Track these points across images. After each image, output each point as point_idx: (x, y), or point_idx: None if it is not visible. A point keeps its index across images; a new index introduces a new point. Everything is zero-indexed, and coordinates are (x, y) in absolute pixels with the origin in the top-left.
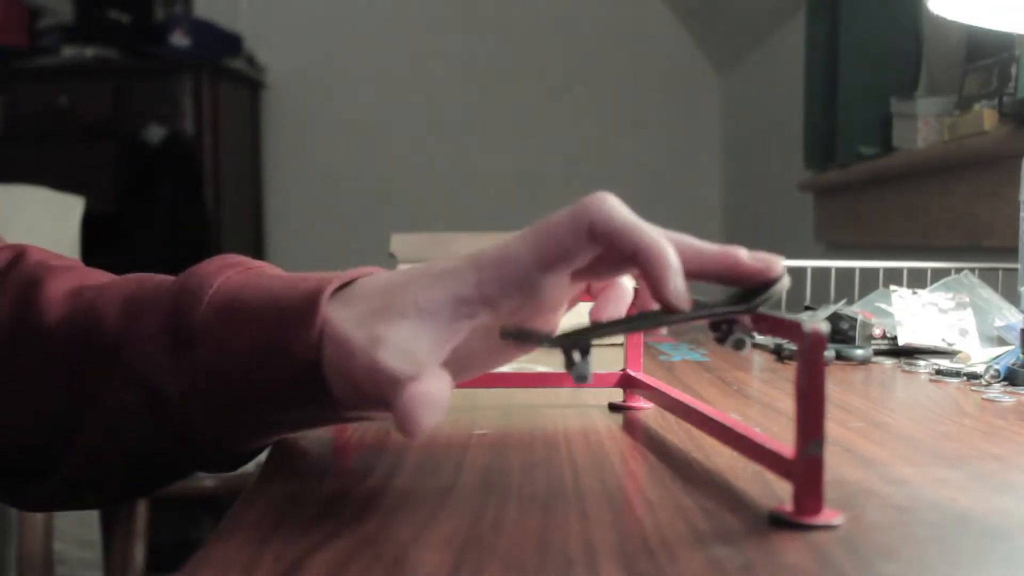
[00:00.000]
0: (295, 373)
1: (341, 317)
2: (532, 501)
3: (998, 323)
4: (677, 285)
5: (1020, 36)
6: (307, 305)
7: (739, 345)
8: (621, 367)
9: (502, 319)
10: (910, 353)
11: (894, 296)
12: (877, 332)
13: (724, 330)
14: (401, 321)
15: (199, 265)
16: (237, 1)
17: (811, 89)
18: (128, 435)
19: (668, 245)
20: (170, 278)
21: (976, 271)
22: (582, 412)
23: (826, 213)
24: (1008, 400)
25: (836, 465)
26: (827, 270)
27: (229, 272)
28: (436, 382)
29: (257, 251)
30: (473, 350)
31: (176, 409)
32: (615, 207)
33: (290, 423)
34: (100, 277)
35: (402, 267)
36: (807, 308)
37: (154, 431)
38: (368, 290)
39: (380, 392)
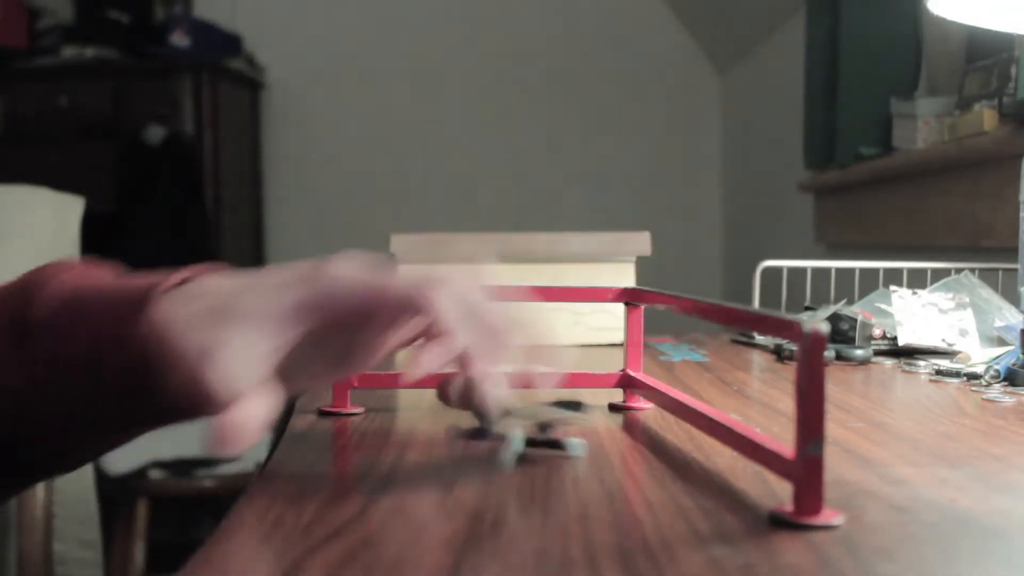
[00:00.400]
0: (127, 363)
1: (174, 316)
2: (532, 501)
3: (998, 323)
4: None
5: (1020, 36)
6: (141, 297)
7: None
8: (621, 367)
9: (335, 331)
10: (910, 353)
11: (894, 296)
12: (877, 332)
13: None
14: (239, 325)
15: (41, 266)
16: (237, 1)
17: (811, 89)
18: None
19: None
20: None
21: (976, 271)
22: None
23: (826, 213)
24: (1008, 400)
25: (836, 465)
26: (827, 270)
27: (69, 272)
28: (254, 406)
29: (257, 251)
30: (306, 358)
31: (17, 404)
32: (449, 304)
33: (123, 420)
34: None
35: (404, 266)
36: (807, 308)
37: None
38: (207, 289)
39: (194, 405)
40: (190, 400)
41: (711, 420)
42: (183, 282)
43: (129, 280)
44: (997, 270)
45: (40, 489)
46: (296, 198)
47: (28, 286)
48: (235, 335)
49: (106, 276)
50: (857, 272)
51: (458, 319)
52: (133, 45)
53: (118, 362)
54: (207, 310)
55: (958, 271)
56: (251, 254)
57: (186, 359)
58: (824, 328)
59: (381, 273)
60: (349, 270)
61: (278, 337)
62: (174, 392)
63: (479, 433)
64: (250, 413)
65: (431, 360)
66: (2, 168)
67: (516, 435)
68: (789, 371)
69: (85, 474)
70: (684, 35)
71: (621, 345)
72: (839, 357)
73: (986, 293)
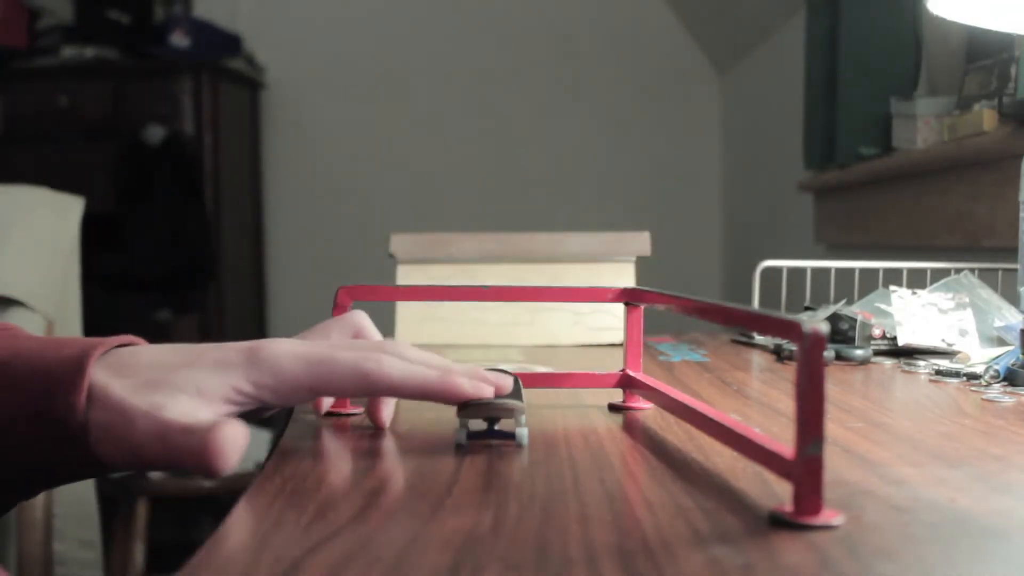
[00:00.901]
0: (61, 435)
1: (113, 385)
2: (532, 501)
3: (998, 323)
4: (463, 392)
5: (1020, 36)
6: (74, 369)
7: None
8: (621, 367)
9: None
10: (910, 353)
11: (894, 296)
12: (877, 332)
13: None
14: (180, 395)
15: None
16: (237, 1)
17: (811, 89)
18: None
19: (435, 383)
20: None
21: (976, 271)
22: (582, 412)
23: (826, 213)
24: (1008, 400)
25: (836, 465)
26: (827, 270)
27: None
28: (233, 426)
29: (257, 251)
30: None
31: None
32: (394, 369)
33: (52, 481)
34: None
35: (400, 269)
36: (807, 308)
37: None
38: (140, 361)
39: (169, 449)
40: (160, 443)
41: (711, 420)
42: (107, 352)
43: (55, 348)
44: (997, 270)
45: None
46: (296, 198)
47: None
48: (176, 402)
49: (23, 340)
50: (857, 272)
51: (402, 377)
52: (133, 45)
53: (50, 434)
54: (144, 383)
55: (958, 271)
56: (251, 254)
57: (144, 412)
58: (824, 328)
59: (321, 354)
60: (288, 355)
61: (219, 409)
62: (139, 442)
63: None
64: (234, 430)
65: (388, 414)
66: (2, 168)
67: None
68: (789, 371)
69: None
70: (684, 35)
71: (621, 345)
72: (839, 357)
73: (986, 293)
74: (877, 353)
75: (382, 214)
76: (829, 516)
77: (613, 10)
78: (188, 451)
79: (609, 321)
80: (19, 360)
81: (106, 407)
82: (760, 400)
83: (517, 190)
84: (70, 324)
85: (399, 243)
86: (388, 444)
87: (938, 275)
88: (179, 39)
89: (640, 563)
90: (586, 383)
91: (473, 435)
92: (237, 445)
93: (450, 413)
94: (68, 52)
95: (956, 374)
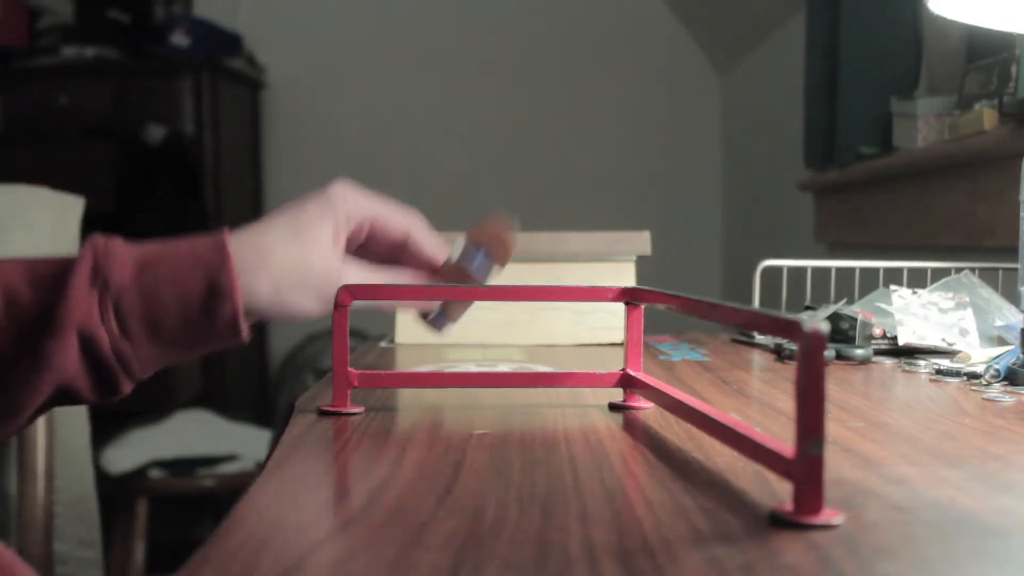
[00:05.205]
0: (222, 311)
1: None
2: (532, 501)
3: (998, 323)
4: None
5: (1020, 36)
6: (217, 252)
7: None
8: (621, 367)
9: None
10: (910, 353)
11: (894, 296)
12: (877, 332)
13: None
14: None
15: (91, 240)
16: (237, 1)
17: (811, 89)
18: (69, 385)
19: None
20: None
21: (976, 271)
22: (582, 412)
23: (826, 213)
24: (1008, 400)
25: (836, 465)
26: (827, 270)
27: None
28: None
29: None
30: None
31: (106, 351)
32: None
33: (198, 350)
34: None
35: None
36: (807, 308)
37: (85, 374)
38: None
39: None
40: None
41: (711, 419)
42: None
43: (188, 240)
44: (997, 270)
45: (40, 488)
46: (296, 198)
47: (97, 253)
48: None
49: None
50: (857, 272)
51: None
52: (133, 45)
53: (211, 307)
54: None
55: (958, 271)
56: None
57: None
58: (824, 328)
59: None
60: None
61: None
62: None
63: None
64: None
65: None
66: (2, 168)
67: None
68: (789, 371)
69: (85, 474)
70: (684, 35)
71: (621, 344)
72: (839, 357)
73: (986, 293)
74: (877, 353)
75: None
76: (829, 515)
77: (613, 10)
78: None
79: (609, 320)
80: (165, 257)
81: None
82: (760, 399)
83: (517, 190)
84: None
85: None
86: (388, 444)
87: (938, 275)
88: (179, 39)
89: (640, 562)
90: (586, 382)
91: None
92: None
93: (450, 413)
94: (68, 52)
95: (956, 373)
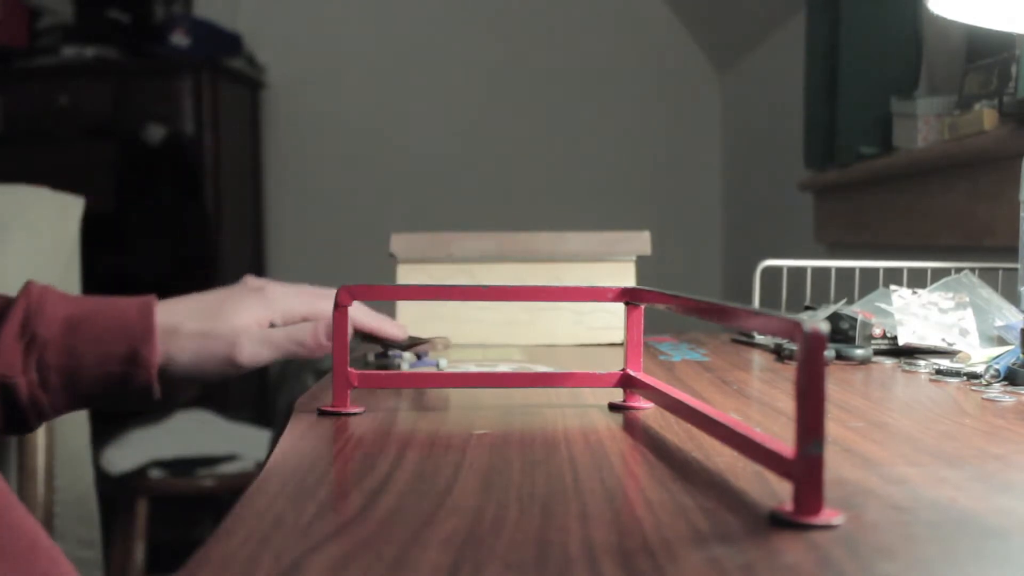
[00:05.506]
0: (137, 372)
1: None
2: (532, 501)
3: (998, 323)
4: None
5: (1020, 36)
6: (142, 320)
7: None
8: (621, 367)
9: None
10: (910, 353)
11: (894, 296)
12: (877, 332)
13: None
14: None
15: (26, 288)
16: (237, 1)
17: (811, 89)
18: None
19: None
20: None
21: (976, 271)
22: (582, 412)
23: (826, 213)
24: (1008, 400)
25: (836, 465)
26: (827, 270)
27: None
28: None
29: (257, 251)
30: None
31: (23, 398)
32: (357, 311)
33: (108, 404)
34: None
35: (400, 268)
36: (807, 308)
37: None
38: (179, 307)
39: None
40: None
41: (711, 419)
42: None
43: (118, 306)
44: (997, 270)
45: (40, 488)
46: (296, 198)
47: (30, 303)
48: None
49: (89, 303)
50: (857, 272)
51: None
52: (133, 45)
53: (128, 371)
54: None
55: (958, 271)
56: (251, 254)
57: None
58: (824, 328)
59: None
60: (289, 293)
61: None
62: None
63: (384, 355)
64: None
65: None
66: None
67: (406, 356)
68: (789, 371)
69: (85, 474)
70: (684, 35)
71: (621, 345)
72: (839, 357)
73: (986, 293)
74: (877, 353)
75: (382, 214)
76: (829, 516)
77: (613, 9)
78: (292, 336)
79: (609, 320)
80: (87, 307)
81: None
82: (760, 399)
83: (517, 189)
84: None
85: (399, 243)
86: (388, 444)
87: (938, 275)
88: (179, 39)
89: (640, 562)
90: (586, 383)
91: (380, 356)
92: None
93: (450, 413)
94: (68, 52)
95: (956, 374)
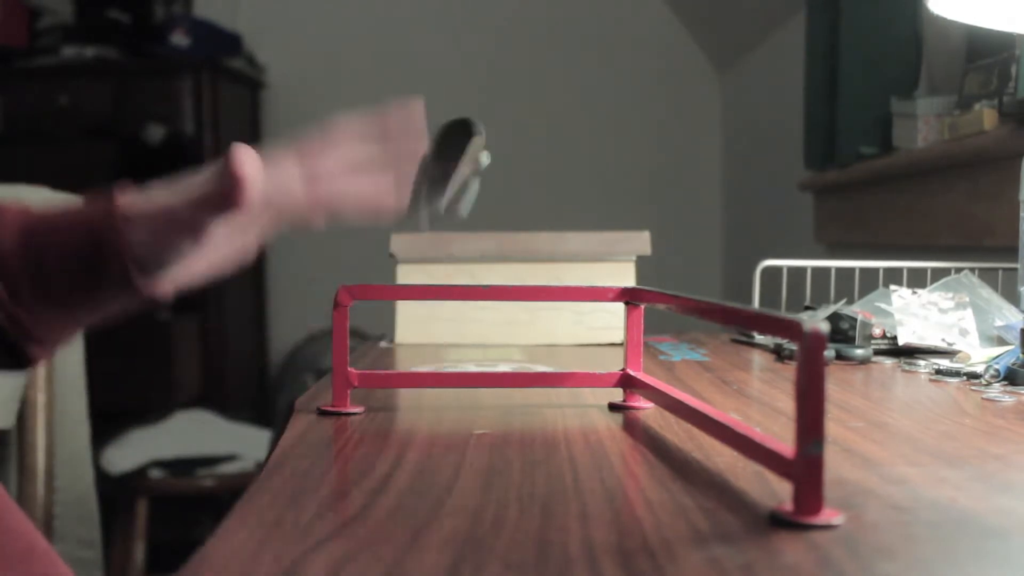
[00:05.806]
0: (109, 254)
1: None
2: (532, 501)
3: (998, 323)
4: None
5: (1020, 36)
6: (104, 206)
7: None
8: (621, 367)
9: None
10: (910, 353)
11: (894, 296)
12: (877, 332)
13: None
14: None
15: None
16: (237, 1)
17: (811, 89)
18: None
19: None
20: None
21: (976, 271)
22: (582, 412)
23: (826, 213)
24: (1008, 400)
25: (836, 465)
26: (827, 270)
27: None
28: (244, 147)
29: (257, 250)
30: None
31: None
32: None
33: (99, 310)
34: None
35: (400, 268)
36: (807, 308)
37: None
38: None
39: (198, 199)
40: (189, 187)
41: (711, 419)
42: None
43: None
44: (997, 270)
45: (40, 488)
46: None
47: None
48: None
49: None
50: (857, 272)
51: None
52: (133, 45)
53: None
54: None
55: (958, 271)
56: None
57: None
58: (824, 328)
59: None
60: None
61: None
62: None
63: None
64: (240, 150)
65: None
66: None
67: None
68: (789, 371)
69: (85, 474)
70: (684, 35)
71: (621, 345)
72: (839, 357)
73: (986, 293)
74: (877, 353)
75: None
76: (829, 515)
77: (612, 9)
78: (215, 186)
79: (609, 320)
80: (51, 218)
81: (138, 196)
82: (760, 399)
83: (517, 190)
84: None
85: (399, 243)
86: (389, 444)
87: (938, 275)
88: (179, 38)
89: (640, 562)
90: (586, 382)
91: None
92: (254, 158)
93: (450, 413)
94: (68, 52)
95: (956, 374)
